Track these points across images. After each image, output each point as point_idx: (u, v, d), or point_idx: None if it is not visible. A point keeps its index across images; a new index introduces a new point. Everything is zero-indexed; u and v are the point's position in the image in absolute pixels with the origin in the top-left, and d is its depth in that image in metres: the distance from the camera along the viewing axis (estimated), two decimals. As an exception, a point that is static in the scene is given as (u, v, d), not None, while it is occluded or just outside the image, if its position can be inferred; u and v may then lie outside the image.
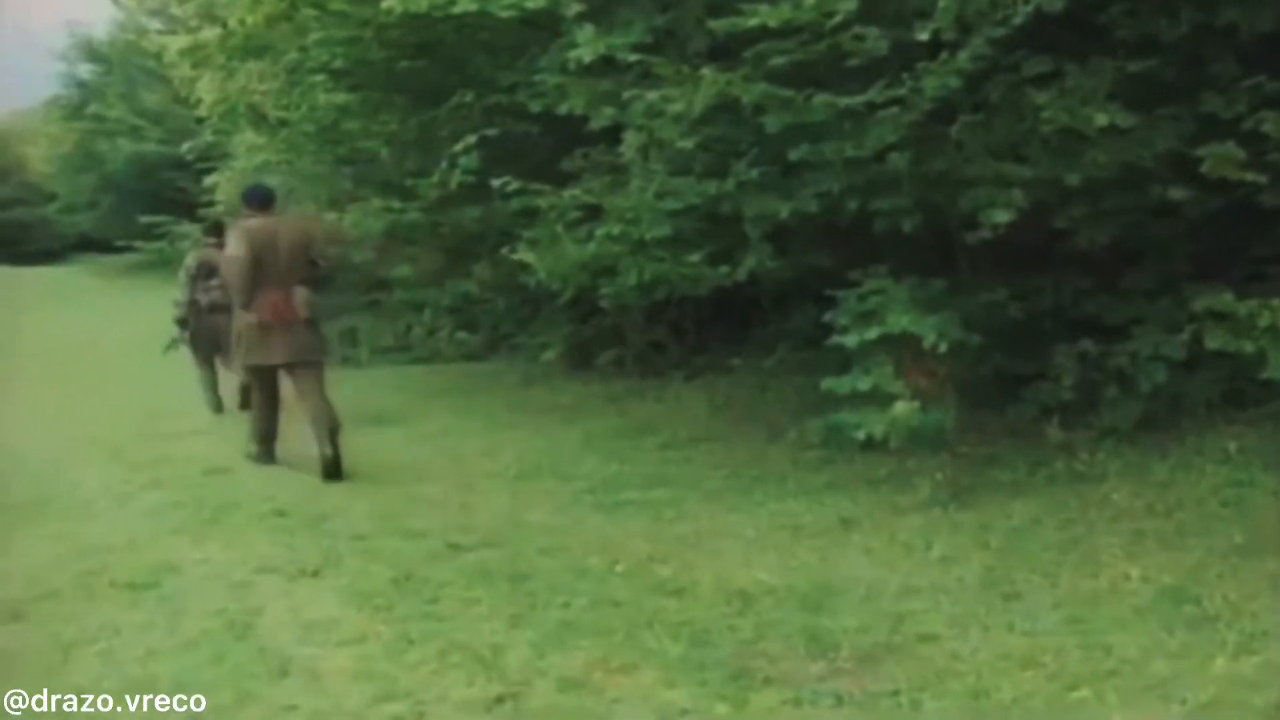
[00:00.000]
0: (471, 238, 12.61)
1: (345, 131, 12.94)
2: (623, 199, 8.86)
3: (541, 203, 9.46)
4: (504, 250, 10.52)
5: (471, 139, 10.73)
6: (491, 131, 10.74)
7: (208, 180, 24.68)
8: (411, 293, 16.37)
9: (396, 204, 11.98)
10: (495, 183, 9.73)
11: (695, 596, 5.87)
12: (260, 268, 8.87)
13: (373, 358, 16.71)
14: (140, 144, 39.02)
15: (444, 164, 11.02)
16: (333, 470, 8.74)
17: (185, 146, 23.95)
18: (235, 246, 8.94)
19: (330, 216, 13.49)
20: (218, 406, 12.36)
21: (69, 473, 9.48)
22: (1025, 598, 5.65)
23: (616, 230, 8.74)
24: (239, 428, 10.96)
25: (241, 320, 9.10)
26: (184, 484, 8.89)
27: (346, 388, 13.83)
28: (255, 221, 9.01)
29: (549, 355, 13.64)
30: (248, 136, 18.84)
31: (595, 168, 9.75)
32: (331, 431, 8.89)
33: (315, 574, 6.43)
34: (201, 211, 25.51)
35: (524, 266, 10.42)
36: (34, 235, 54.66)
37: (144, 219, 27.37)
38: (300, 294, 9.06)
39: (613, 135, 9.39)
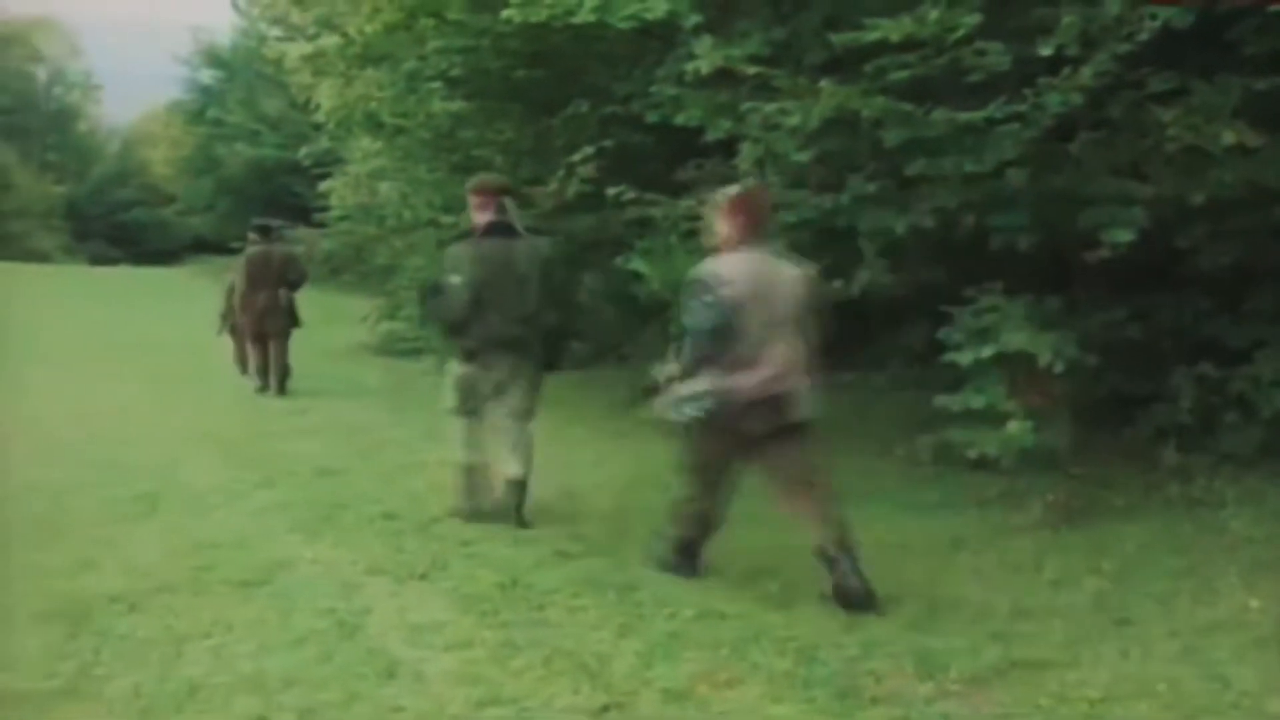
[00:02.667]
0: (584, 246, 12.65)
1: (461, 139, 13.08)
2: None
3: (655, 213, 9.50)
4: (616, 260, 10.57)
5: (588, 149, 10.81)
6: (607, 141, 10.80)
7: (323, 185, 25.09)
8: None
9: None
10: (610, 192, 9.78)
11: (802, 612, 5.85)
12: None
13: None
14: (258, 149, 39.90)
15: (560, 172, 11.09)
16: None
17: (302, 152, 24.39)
18: None
19: (447, 220, 13.58)
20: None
21: (181, 469, 9.64)
22: (1139, 625, 5.56)
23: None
24: (347, 430, 11.16)
25: None
26: (295, 484, 9.00)
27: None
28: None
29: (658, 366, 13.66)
30: (363, 143, 19.19)
31: (709, 179, 9.75)
32: None
33: (423, 577, 6.49)
34: (316, 216, 26.03)
35: (635, 276, 10.47)
36: (152, 236, 56.12)
37: (261, 220, 27.91)
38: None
39: (728, 147, 9.39)
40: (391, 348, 19.36)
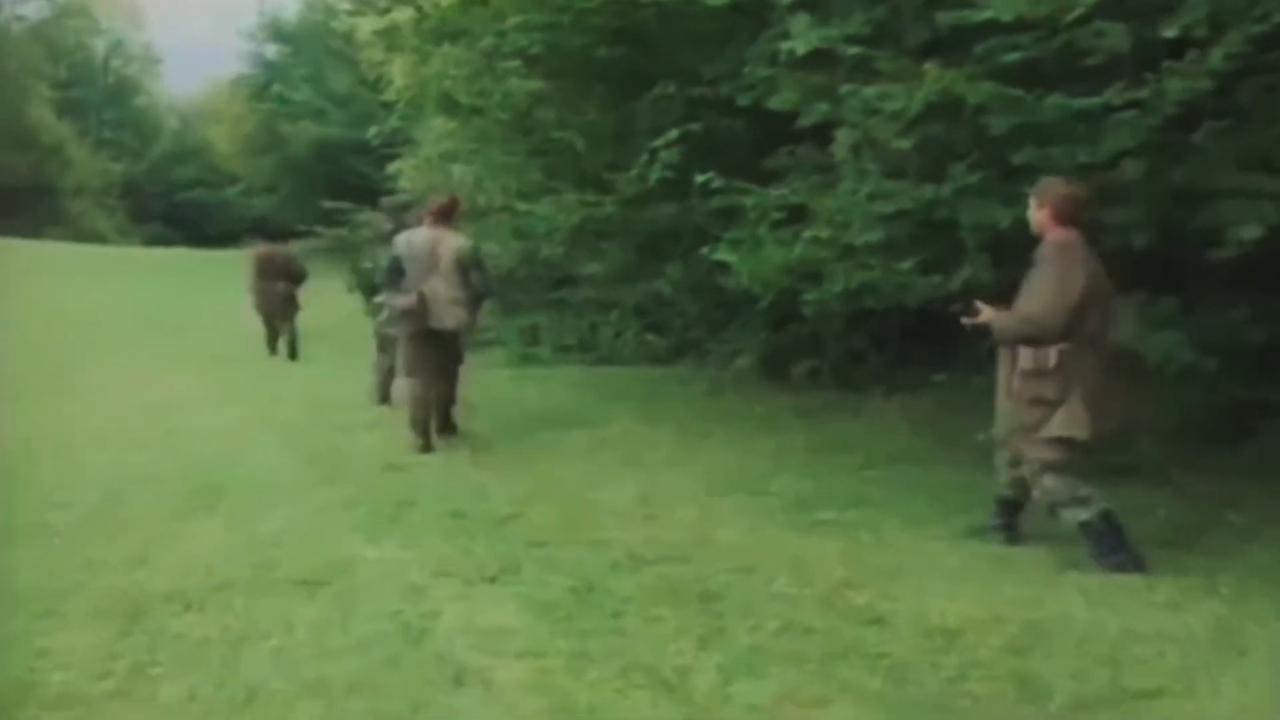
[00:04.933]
0: (666, 236, 12.62)
1: (539, 121, 13.07)
2: (831, 200, 8.79)
3: (744, 202, 9.44)
4: (701, 250, 10.53)
5: (673, 133, 10.73)
6: (694, 125, 10.74)
7: (391, 167, 25.29)
8: (600, 291, 16.51)
9: (590, 197, 11.99)
10: (697, 179, 9.74)
11: (894, 628, 5.78)
12: None
13: (555, 357, 16.93)
14: (324, 127, 40.11)
15: (643, 157, 11.04)
16: None
17: (370, 131, 24.62)
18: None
19: (522, 207, 13.62)
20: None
21: (244, 461, 9.75)
22: (1261, 653, 5.43)
23: (824, 234, 8.67)
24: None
25: None
26: (360, 479, 9.06)
27: (527, 386, 14.09)
28: None
29: (741, 363, 13.62)
30: (436, 123, 19.29)
31: (802, 166, 9.69)
32: None
33: (493, 580, 6.50)
34: (384, 199, 26.20)
35: (719, 268, 10.43)
36: (213, 217, 56.69)
37: (325, 204, 27.99)
38: None
39: (822, 133, 9.32)
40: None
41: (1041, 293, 6.68)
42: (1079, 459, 6.79)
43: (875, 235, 8.48)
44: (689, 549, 7.14)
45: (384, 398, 12.73)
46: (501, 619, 5.86)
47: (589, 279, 16.65)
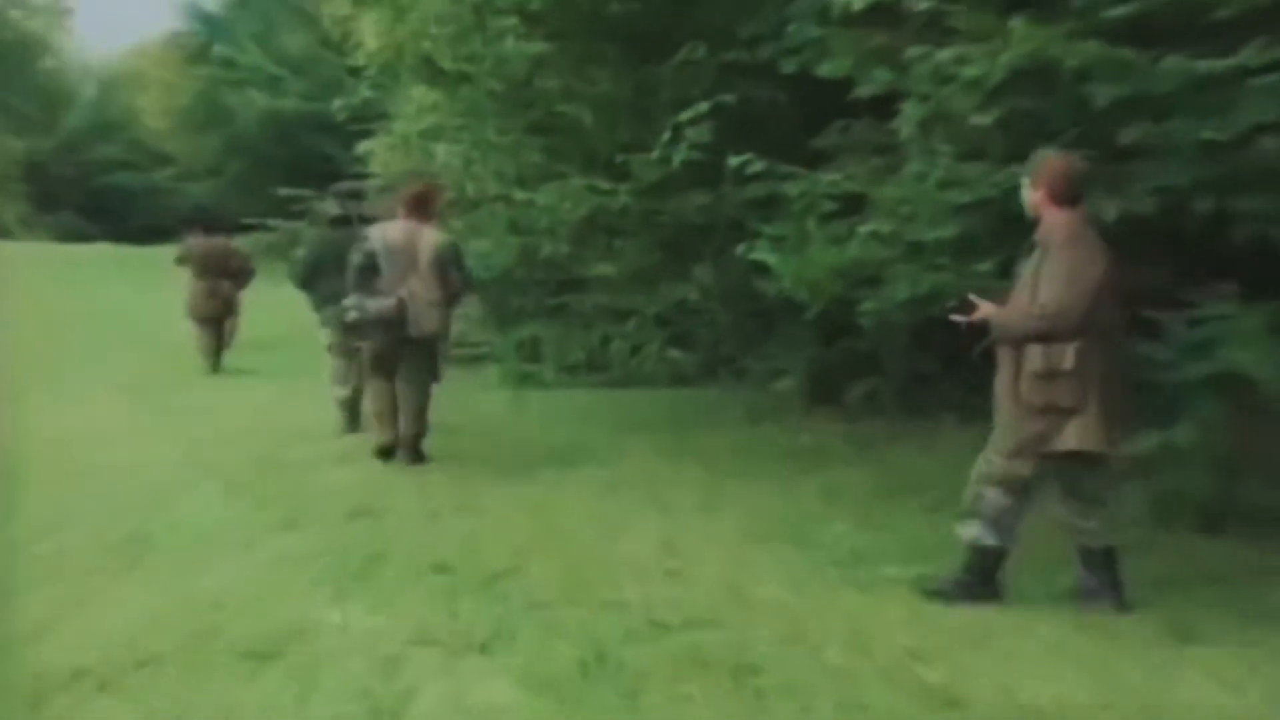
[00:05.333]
0: (694, 231, 12.67)
1: (540, 91, 13.15)
2: (895, 188, 8.82)
3: (789, 190, 9.48)
4: (736, 249, 10.57)
5: (702, 105, 10.80)
6: (727, 96, 10.79)
7: (361, 147, 25.35)
8: (613, 297, 16.52)
9: (603, 184, 12.05)
10: (731, 162, 9.78)
11: (973, 711, 5.78)
12: None
13: (559, 377, 16.97)
14: (277, 98, 40.25)
15: (665, 135, 11.10)
16: None
17: (335, 104, 24.57)
18: None
19: (520, 196, 13.69)
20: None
21: (178, 505, 9.75)
22: None
23: (885, 228, 8.70)
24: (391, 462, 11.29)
25: None
26: (321, 526, 9.06)
27: (527, 412, 14.14)
28: None
29: (785, 384, 13.65)
30: (415, 93, 19.34)
31: (858, 147, 9.74)
32: None
33: (483, 649, 6.49)
34: (337, 184, 26.28)
35: (757, 270, 10.47)
36: (140, 206, 56.64)
37: (279, 191, 28.12)
38: None
39: (883, 106, 9.35)
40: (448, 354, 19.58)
41: (1054, 282, 6.96)
42: (1082, 477, 7.19)
43: (947, 230, 8.51)
44: (721, 611, 7.14)
45: (353, 424, 12.98)
46: (493, 697, 5.85)
47: (600, 283, 16.64)
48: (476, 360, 18.40)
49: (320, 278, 12.93)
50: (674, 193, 11.81)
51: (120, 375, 18.18)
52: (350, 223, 13.08)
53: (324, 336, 13.35)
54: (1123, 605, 7.21)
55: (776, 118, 11.26)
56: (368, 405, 11.83)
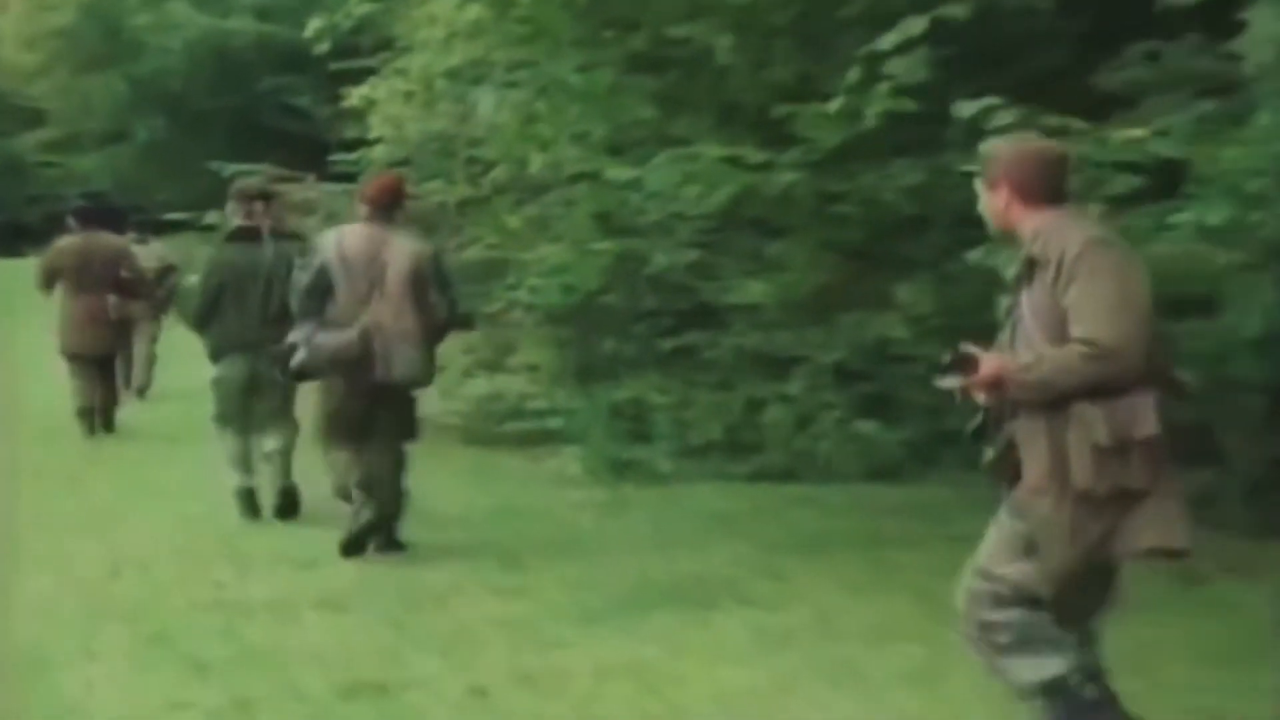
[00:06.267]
0: (899, 226, 12.69)
1: (649, 4, 13.22)
2: (1236, 150, 8.82)
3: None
4: (967, 254, 10.59)
5: (914, 23, 10.83)
6: (954, 8, 10.82)
7: (350, 97, 25.49)
8: (767, 336, 16.49)
9: (750, 153, 12.10)
10: (962, 112, 9.82)
11: None
12: None
13: (680, 465, 16.92)
14: (219, 19, 40.44)
15: (852, 73, 11.15)
16: None
17: (310, 27, 24.73)
18: None
19: (616, 174, 13.76)
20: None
21: (63, 676, 9.89)
22: None
23: (1220, 215, 8.70)
24: (406, 606, 11.38)
25: None
26: (297, 714, 9.23)
27: (629, 522, 14.23)
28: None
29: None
30: (441, 9, 19.42)
31: (1173, 84, 9.74)
32: None
33: None
34: (336, 158, 26.39)
35: (1001, 285, 10.48)
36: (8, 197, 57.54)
37: (220, 167, 28.31)
38: None
39: (1216, 18, 9.37)
40: (491, 429, 19.96)
41: (1097, 303, 7.03)
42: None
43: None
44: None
45: (253, 513, 14.30)
46: None
47: (745, 314, 16.66)
48: (544, 439, 18.45)
49: (221, 314, 14.09)
50: (866, 165, 11.84)
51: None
52: (258, 237, 14.14)
53: (215, 400, 14.83)
54: None
55: (1035, 41, 11.27)
56: (332, 483, 12.67)
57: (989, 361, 7.25)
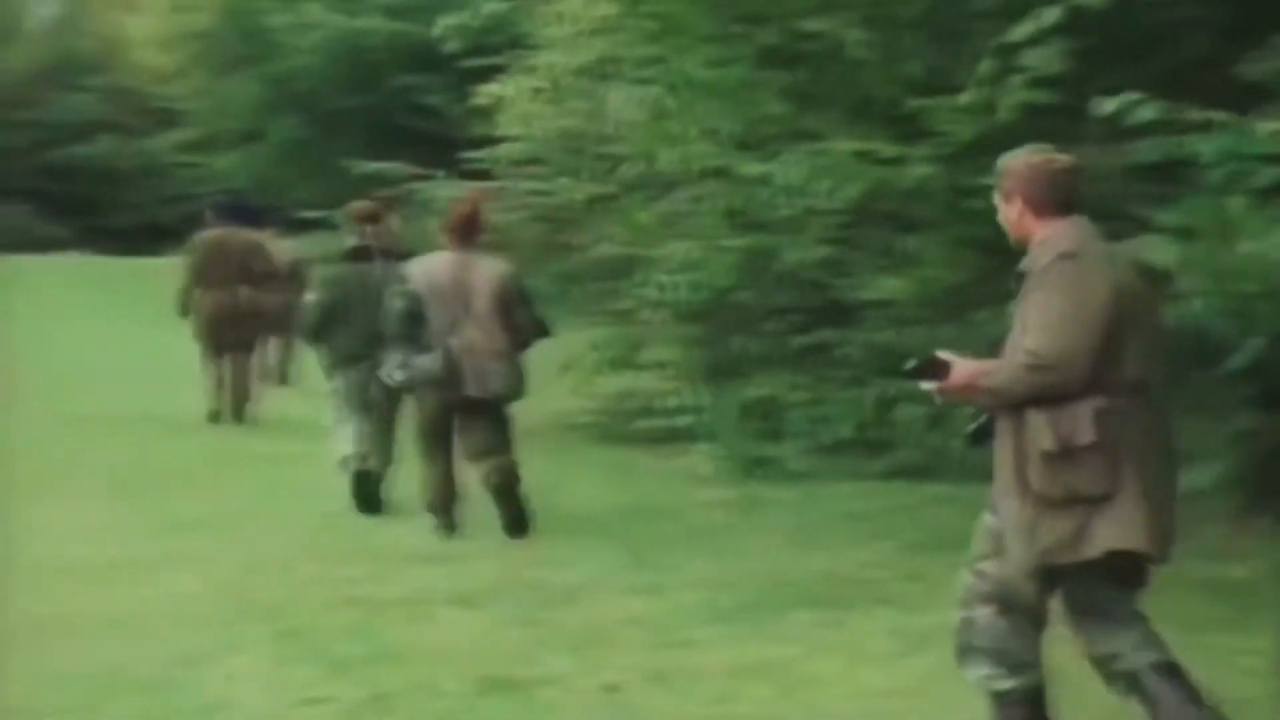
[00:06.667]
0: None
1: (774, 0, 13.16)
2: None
3: (1201, 148, 9.39)
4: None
5: (1049, 12, 10.73)
6: (1088, -3, 10.73)
7: (481, 94, 25.44)
8: (901, 333, 16.39)
9: (884, 147, 12.04)
10: (1102, 106, 9.73)
11: None
12: None
13: (813, 463, 16.82)
14: (352, 18, 40.46)
15: (986, 64, 11.06)
16: None
17: (439, 25, 24.74)
18: None
19: (748, 169, 13.70)
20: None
21: (209, 688, 9.87)
22: None
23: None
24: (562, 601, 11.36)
25: None
26: (439, 711, 9.23)
27: (761, 520, 14.16)
28: None
29: (1199, 477, 13.45)
30: (573, 6, 19.39)
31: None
32: None
33: None
34: (467, 154, 26.34)
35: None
36: (130, 194, 57.48)
37: (355, 165, 28.25)
38: None
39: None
40: (626, 426, 20.01)
41: (1046, 314, 7.41)
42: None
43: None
44: None
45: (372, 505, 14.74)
46: None
47: (879, 310, 16.57)
48: (675, 436, 18.40)
49: (335, 329, 14.96)
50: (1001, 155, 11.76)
51: (105, 465, 18.41)
52: (369, 257, 15.05)
53: (332, 410, 15.71)
54: None
55: (1176, 31, 11.16)
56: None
57: (959, 368, 7.58)
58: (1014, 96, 10.93)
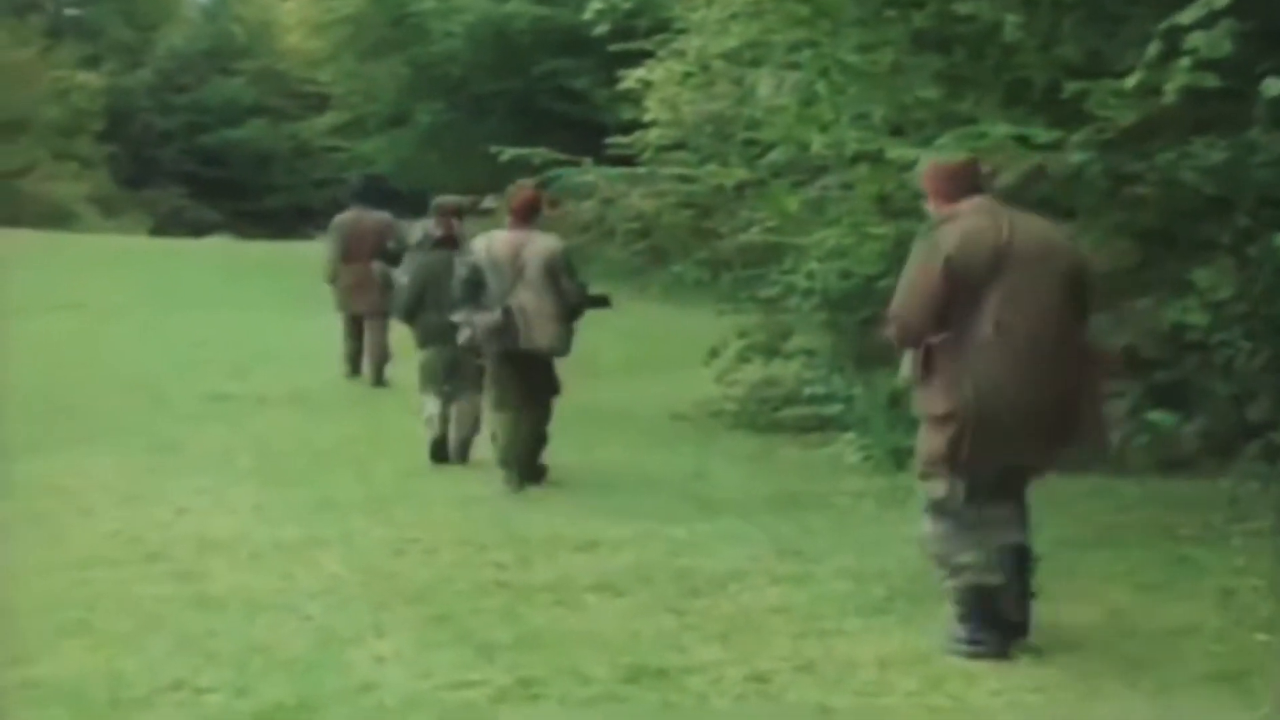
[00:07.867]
0: (1199, 208, 12.41)
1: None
2: None
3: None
4: (1276, 237, 10.29)
5: (1212, -7, 10.56)
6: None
7: (626, 80, 25.31)
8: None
9: (1040, 132, 11.87)
10: (1272, 87, 9.52)
11: None
12: None
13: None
14: (500, 3, 40.47)
15: (1151, 48, 10.87)
16: None
17: (589, 10, 24.59)
18: None
19: (898, 154, 13.53)
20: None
21: (351, 648, 9.85)
22: None
23: None
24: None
25: None
26: (579, 700, 9.15)
27: (909, 511, 13.97)
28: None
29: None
30: (719, -12, 19.22)
31: None
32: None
33: None
34: (612, 140, 26.16)
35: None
36: (282, 178, 57.72)
37: (502, 152, 28.09)
38: None
39: None
40: (771, 414, 20.00)
41: (898, 286, 9.66)
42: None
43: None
44: None
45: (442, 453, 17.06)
46: None
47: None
48: (821, 425, 18.26)
49: (425, 309, 17.11)
50: (1164, 145, 11.55)
51: (255, 445, 18.43)
52: (454, 245, 17.28)
53: (420, 378, 17.95)
54: None
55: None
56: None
57: None
58: (1179, 80, 10.73)
